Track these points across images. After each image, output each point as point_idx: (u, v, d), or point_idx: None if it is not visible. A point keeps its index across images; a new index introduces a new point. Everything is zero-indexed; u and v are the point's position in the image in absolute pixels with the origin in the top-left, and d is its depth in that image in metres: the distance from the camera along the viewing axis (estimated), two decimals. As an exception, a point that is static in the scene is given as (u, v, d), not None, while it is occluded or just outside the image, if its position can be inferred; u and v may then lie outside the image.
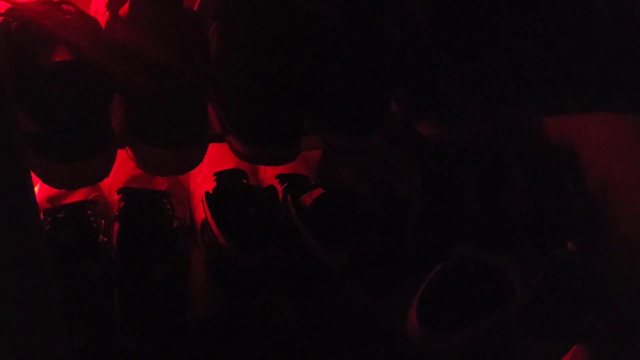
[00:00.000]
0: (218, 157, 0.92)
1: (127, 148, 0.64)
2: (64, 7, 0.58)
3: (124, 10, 0.59)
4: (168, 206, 0.81)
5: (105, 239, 0.73)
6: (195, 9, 0.64)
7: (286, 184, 0.87)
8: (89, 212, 0.78)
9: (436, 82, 0.70)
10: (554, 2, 0.75)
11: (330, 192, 0.81)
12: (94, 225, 0.76)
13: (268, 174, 0.93)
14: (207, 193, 0.77)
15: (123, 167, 0.89)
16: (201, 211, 0.82)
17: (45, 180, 0.59)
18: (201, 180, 0.88)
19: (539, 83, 0.75)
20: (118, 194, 0.81)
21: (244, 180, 0.87)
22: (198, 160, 0.65)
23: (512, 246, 0.88)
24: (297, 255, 0.81)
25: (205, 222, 0.79)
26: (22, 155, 0.47)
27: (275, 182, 0.89)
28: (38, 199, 0.82)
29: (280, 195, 0.87)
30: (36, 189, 0.83)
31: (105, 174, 0.62)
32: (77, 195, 0.82)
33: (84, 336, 0.69)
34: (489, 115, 0.75)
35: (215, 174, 0.87)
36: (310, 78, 0.64)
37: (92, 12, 0.65)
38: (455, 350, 0.70)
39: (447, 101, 0.71)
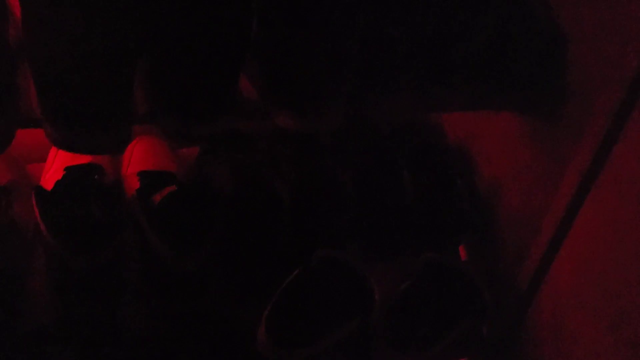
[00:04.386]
0: (74, 151, 0.83)
1: None
2: None
3: None
4: (2, 202, 0.73)
5: None
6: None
7: (147, 181, 0.80)
8: None
9: (288, 64, 0.64)
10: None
11: (185, 191, 0.74)
12: None
13: (130, 170, 0.85)
14: (37, 188, 0.69)
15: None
16: (43, 209, 0.73)
17: None
18: (51, 176, 0.80)
19: (409, 73, 0.69)
20: (-56, 188, 0.72)
21: (96, 176, 0.78)
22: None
23: (394, 249, 0.82)
24: (148, 258, 0.73)
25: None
26: None
27: (136, 180, 0.81)
28: None
29: (138, 193, 0.79)
30: None
31: None
32: None
33: None
34: (351, 104, 0.68)
35: (65, 169, 0.79)
36: (133, 53, 0.57)
37: None
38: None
39: (302, 88, 0.65)
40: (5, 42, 0.54)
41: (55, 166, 0.81)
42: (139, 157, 0.86)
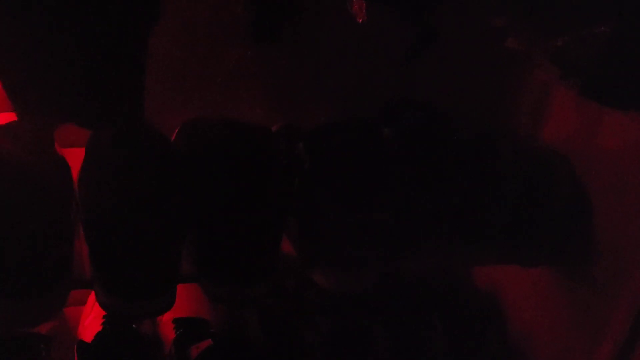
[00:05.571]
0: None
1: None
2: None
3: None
4: (43, 353, 0.74)
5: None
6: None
7: (181, 330, 0.81)
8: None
9: (326, 232, 0.67)
10: (455, 150, 0.74)
11: (221, 344, 0.74)
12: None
13: (166, 317, 0.86)
14: (79, 342, 0.70)
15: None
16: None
17: None
18: (89, 323, 0.81)
19: (439, 235, 0.72)
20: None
21: (134, 325, 0.80)
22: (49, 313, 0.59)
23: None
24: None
25: (79, 373, 0.72)
26: None
27: (171, 327, 0.82)
28: None
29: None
30: None
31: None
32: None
33: None
34: (385, 265, 0.70)
35: (104, 317, 0.80)
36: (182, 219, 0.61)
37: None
38: None
39: (340, 252, 0.67)
40: (68, 218, 0.58)
41: (94, 312, 0.83)
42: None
